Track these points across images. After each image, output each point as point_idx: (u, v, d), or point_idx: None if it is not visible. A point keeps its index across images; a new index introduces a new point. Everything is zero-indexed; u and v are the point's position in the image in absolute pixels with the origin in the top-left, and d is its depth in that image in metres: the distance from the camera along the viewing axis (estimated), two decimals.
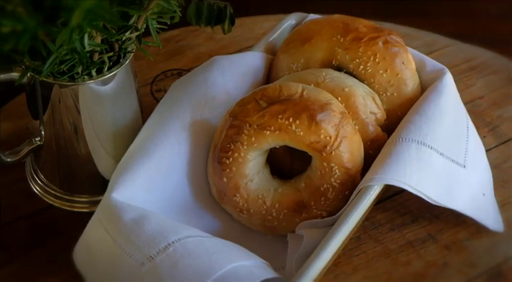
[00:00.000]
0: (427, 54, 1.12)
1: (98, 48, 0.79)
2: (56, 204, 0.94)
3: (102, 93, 0.86)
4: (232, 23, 0.94)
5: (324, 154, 0.83)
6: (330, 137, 0.83)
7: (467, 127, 0.92)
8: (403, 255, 0.90)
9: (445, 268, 0.89)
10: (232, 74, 0.93)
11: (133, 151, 0.85)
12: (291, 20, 1.00)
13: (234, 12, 0.92)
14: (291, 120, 0.83)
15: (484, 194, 0.92)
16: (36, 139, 0.91)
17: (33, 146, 0.92)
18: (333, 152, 0.83)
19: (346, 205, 0.82)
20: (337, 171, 0.84)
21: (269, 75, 0.97)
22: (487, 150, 0.98)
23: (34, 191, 0.95)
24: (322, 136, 0.83)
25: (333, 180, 0.84)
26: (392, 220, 0.94)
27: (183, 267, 0.76)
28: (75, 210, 0.93)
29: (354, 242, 0.91)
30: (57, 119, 0.88)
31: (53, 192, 0.94)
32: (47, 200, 0.94)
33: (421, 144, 0.86)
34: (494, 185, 0.95)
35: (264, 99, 0.85)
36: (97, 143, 0.90)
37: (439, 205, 0.87)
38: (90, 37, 0.77)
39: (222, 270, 0.77)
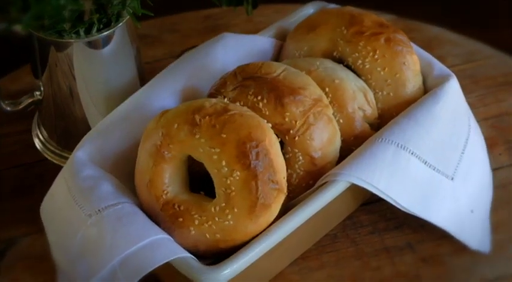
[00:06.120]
0: (466, 62, 1.08)
1: (83, 8, 0.80)
2: (54, 160, 0.97)
3: (94, 56, 0.88)
4: (254, 5, 0.93)
5: (287, 138, 0.81)
6: (296, 122, 0.80)
7: (467, 139, 0.87)
8: (375, 260, 0.87)
9: (415, 280, 0.85)
10: (235, 52, 0.92)
11: (112, 114, 0.85)
12: (308, 8, 0.98)
13: None
14: (259, 98, 0.80)
15: (472, 211, 0.87)
16: (37, 93, 0.94)
17: (33, 99, 0.94)
18: (297, 137, 0.80)
19: (300, 197, 0.80)
20: (300, 157, 0.81)
21: (278, 60, 0.96)
22: (497, 168, 0.94)
23: (34, 144, 0.98)
24: (287, 119, 0.80)
25: (296, 166, 0.81)
26: (375, 223, 0.90)
27: (127, 222, 0.76)
28: None
29: (328, 239, 0.89)
30: (55, 81, 0.91)
31: (51, 147, 0.97)
32: (44, 154, 0.97)
33: (401, 147, 0.82)
34: (494, 205, 0.90)
35: (242, 74, 0.83)
36: (91, 105, 0.91)
37: (411, 213, 0.83)
38: None
39: (166, 234, 0.77)
